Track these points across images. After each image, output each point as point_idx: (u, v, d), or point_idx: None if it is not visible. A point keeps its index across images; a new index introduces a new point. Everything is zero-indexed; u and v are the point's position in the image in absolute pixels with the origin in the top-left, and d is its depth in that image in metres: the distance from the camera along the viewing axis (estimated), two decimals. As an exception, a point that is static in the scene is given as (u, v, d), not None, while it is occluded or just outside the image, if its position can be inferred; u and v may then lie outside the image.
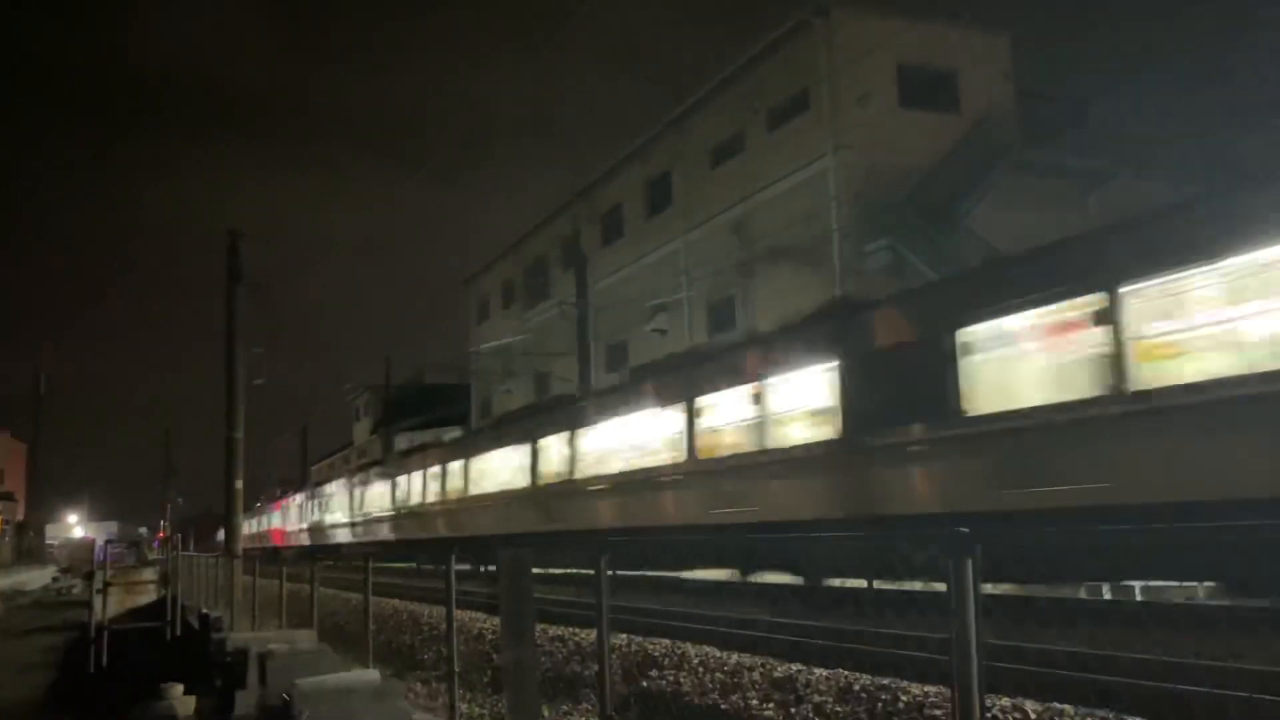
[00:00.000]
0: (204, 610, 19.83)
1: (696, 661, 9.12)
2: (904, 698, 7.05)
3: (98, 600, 24.57)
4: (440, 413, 54.68)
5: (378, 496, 33.08)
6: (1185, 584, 11.20)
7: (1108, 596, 12.29)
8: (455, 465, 26.00)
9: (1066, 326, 9.78)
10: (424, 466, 28.64)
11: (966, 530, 3.13)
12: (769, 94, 27.38)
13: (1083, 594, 12.47)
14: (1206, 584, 10.96)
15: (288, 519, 49.51)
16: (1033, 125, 25.88)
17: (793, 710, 7.41)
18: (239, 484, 23.66)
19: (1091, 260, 9.64)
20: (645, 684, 8.81)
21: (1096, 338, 9.41)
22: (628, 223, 34.82)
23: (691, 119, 30.84)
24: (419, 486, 28.87)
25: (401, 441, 61.91)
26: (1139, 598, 11.95)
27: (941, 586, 3.15)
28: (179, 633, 22.25)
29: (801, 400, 13.65)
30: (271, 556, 34.71)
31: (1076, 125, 26.38)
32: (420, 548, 29.65)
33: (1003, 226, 21.77)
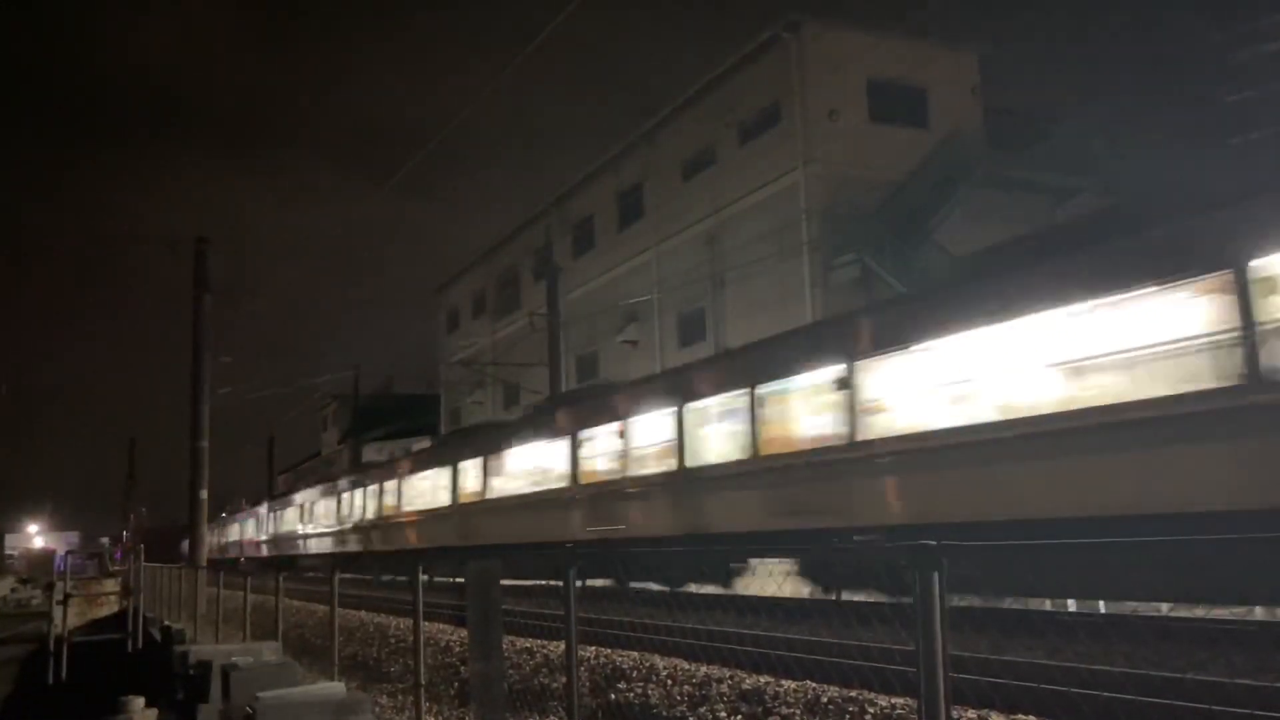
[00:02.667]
0: (166, 622, 19.59)
1: (665, 673, 9.10)
2: (871, 709, 7.07)
3: (58, 612, 24.18)
4: (409, 423, 54.40)
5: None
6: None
7: (1072, 608, 12.39)
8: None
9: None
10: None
11: (933, 543, 3.15)
12: (740, 108, 27.52)
13: (1048, 606, 12.57)
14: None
15: (261, 528, 48.99)
16: (1000, 141, 26.18)
17: (760, 722, 7.41)
18: (204, 494, 23.40)
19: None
20: (613, 696, 8.78)
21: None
22: (599, 234, 34.86)
23: (663, 132, 30.95)
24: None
25: (370, 452, 61.61)
26: (1102, 610, 12.06)
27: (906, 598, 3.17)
28: (141, 645, 21.94)
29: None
30: (260, 566, 34.25)
31: (1044, 141, 26.72)
32: (388, 559, 29.43)
33: (970, 241, 21.96)
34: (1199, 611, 10.56)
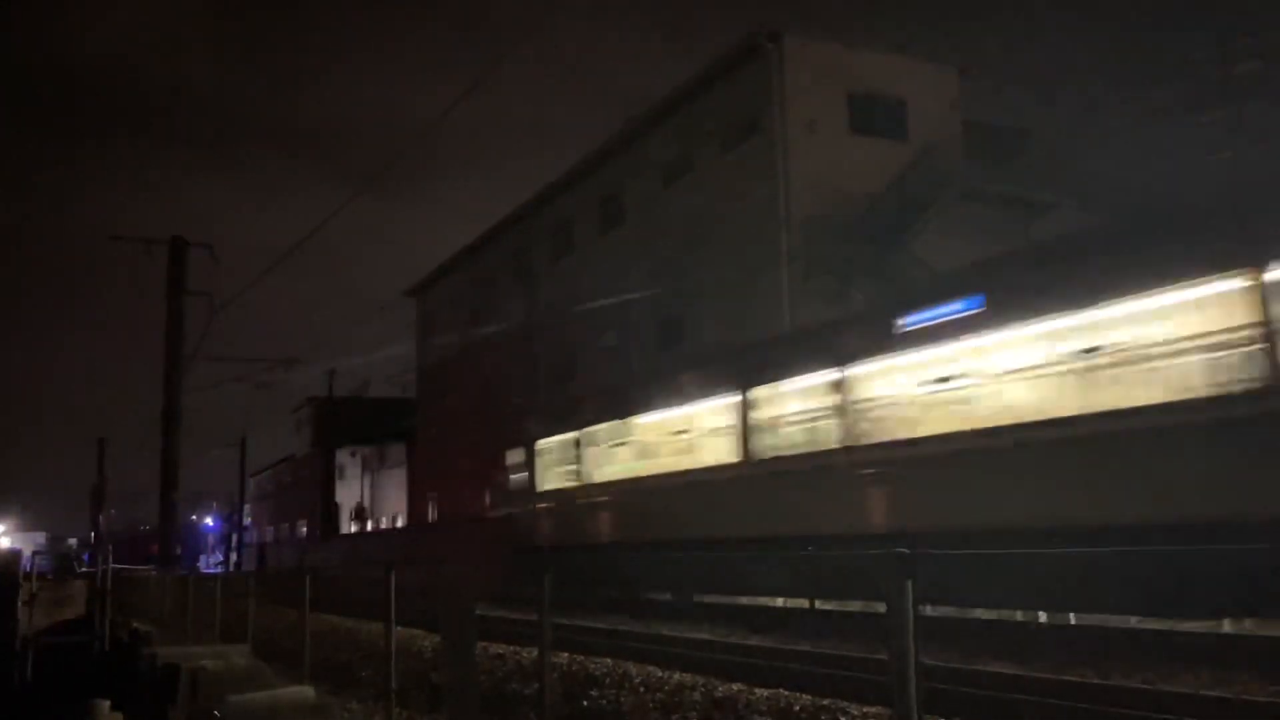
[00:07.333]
0: (135, 624, 19.39)
1: (638, 681, 9.09)
2: (843, 718, 7.09)
3: (23, 613, 23.88)
4: (384, 427, 54.13)
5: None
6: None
7: (1043, 619, 12.47)
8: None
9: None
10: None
11: (906, 550, 3.16)
12: (720, 116, 27.61)
13: (1019, 617, 12.65)
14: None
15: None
16: (978, 155, 26.37)
17: (733, 730, 7.41)
18: (176, 495, 23.23)
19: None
20: (586, 703, 8.76)
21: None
22: (578, 239, 34.85)
23: (643, 138, 30.98)
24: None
25: (343, 456, 61.24)
26: (1073, 621, 12.15)
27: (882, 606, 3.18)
28: (108, 647, 21.69)
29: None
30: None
31: (1020, 155, 26.92)
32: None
33: (947, 253, 22.13)
34: (1168, 623, 10.65)
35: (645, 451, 16.07)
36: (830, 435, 12.41)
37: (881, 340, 11.69)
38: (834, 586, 13.03)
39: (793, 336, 14.84)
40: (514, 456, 19.79)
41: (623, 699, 8.66)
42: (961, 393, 10.71)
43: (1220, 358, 8.38)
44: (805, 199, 24.94)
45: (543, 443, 18.17)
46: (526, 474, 18.87)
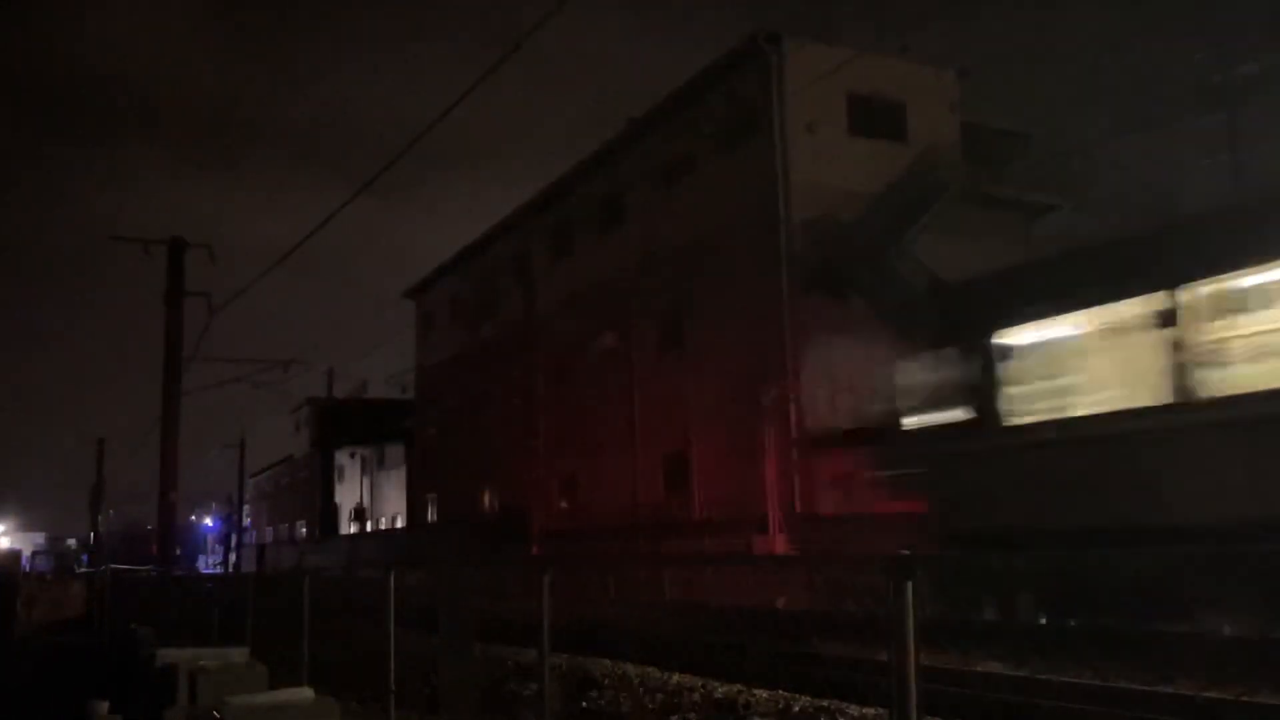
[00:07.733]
0: (133, 625, 19.38)
1: (637, 682, 9.09)
2: (842, 719, 7.09)
3: (22, 612, 23.90)
4: (383, 428, 54.14)
5: None
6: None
7: (1042, 621, 12.47)
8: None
9: None
10: None
11: (907, 552, 3.17)
12: (720, 117, 27.62)
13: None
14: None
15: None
16: (977, 157, 26.40)
17: (732, 731, 7.41)
18: (174, 496, 23.23)
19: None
20: (585, 704, 8.76)
21: None
22: (578, 239, 34.84)
23: (644, 138, 30.98)
24: None
25: (342, 457, 61.24)
26: (1071, 622, 12.15)
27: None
28: (106, 648, 21.69)
29: None
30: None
31: (1020, 158, 26.95)
32: None
33: (946, 255, 22.16)
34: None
35: None
36: None
37: None
38: None
39: None
40: (917, 373, 12.40)
41: (622, 699, 8.67)
42: None
43: None
44: (804, 200, 24.95)
45: (1024, 333, 10.92)
46: (967, 398, 11.35)
